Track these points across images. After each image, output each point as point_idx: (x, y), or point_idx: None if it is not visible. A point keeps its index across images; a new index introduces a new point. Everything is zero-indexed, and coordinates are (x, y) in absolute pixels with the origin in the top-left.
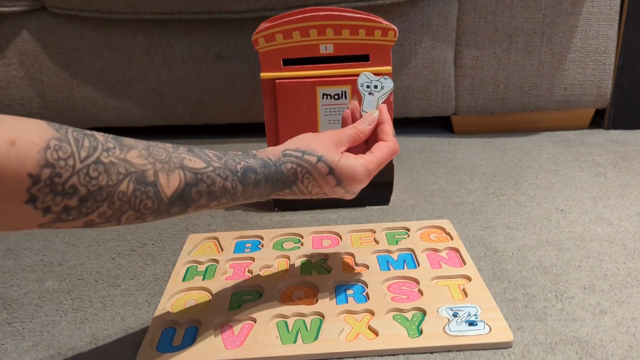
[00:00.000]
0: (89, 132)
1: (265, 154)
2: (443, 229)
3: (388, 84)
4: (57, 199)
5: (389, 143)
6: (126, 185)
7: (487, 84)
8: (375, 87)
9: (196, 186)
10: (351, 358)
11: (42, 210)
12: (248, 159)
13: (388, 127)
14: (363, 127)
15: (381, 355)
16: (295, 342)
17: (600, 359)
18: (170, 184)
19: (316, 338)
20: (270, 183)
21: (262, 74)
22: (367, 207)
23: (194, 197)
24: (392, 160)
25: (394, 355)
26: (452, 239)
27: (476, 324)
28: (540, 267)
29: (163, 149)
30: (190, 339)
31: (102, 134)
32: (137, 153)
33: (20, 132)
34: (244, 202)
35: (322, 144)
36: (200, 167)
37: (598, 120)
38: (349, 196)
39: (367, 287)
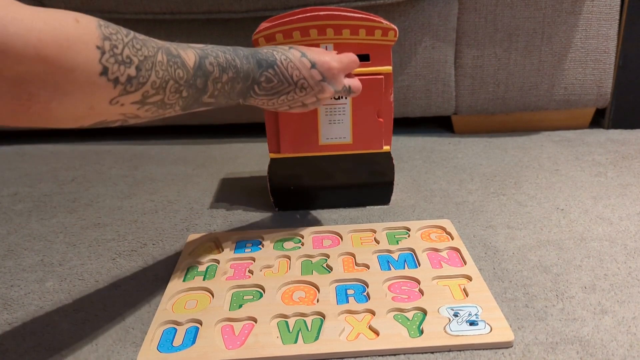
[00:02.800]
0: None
1: None
2: (444, 229)
3: None
4: (121, 67)
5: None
6: (161, 56)
7: (488, 84)
8: None
9: (207, 58)
10: (352, 358)
11: (113, 82)
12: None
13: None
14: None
15: (382, 355)
16: (296, 342)
17: (601, 358)
18: (188, 56)
19: (317, 338)
20: (255, 59)
21: None
22: (367, 207)
23: (208, 67)
24: (392, 160)
25: (394, 355)
26: (452, 238)
27: (477, 324)
28: (540, 266)
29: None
30: (190, 339)
31: None
32: (152, 38)
33: (77, 14)
34: (245, 87)
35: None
36: (202, 46)
37: (598, 120)
38: (322, 98)
39: (367, 287)
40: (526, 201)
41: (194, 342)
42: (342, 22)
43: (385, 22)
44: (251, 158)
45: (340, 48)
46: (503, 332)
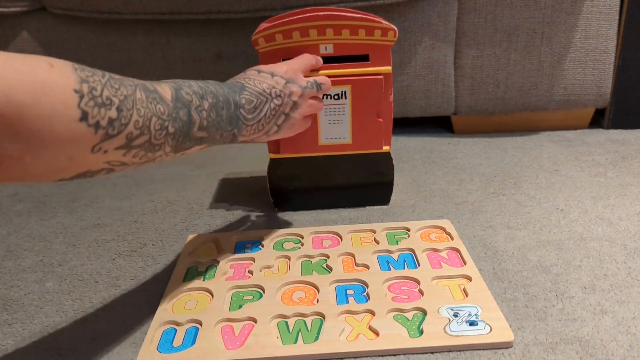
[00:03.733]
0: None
1: None
2: (443, 229)
3: None
4: (101, 110)
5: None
6: (140, 93)
7: (487, 84)
8: None
9: (181, 89)
10: (352, 358)
11: (94, 127)
12: None
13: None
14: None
15: (382, 356)
16: (295, 342)
17: (600, 358)
18: (164, 90)
19: (317, 338)
20: (226, 86)
21: None
22: (367, 207)
23: (186, 97)
24: (392, 160)
25: (394, 355)
26: (452, 238)
27: (477, 324)
28: (540, 267)
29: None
30: (190, 340)
31: None
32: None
33: (50, 58)
34: (231, 113)
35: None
36: (171, 80)
37: (598, 120)
38: (297, 100)
39: (367, 287)
40: (526, 201)
41: (193, 342)
42: (342, 22)
43: (384, 22)
44: (251, 158)
45: (339, 48)
46: (503, 332)
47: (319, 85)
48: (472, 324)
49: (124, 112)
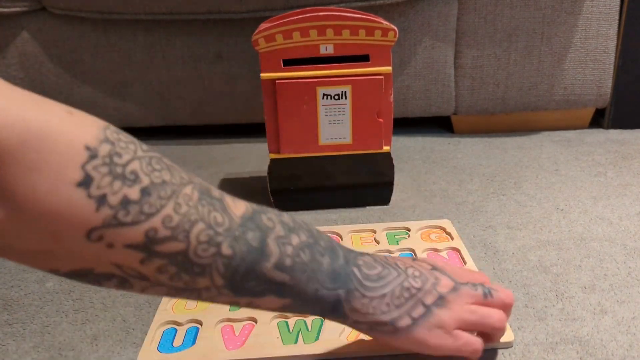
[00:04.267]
0: None
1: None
2: (443, 229)
3: None
4: (115, 183)
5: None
6: (190, 190)
7: (487, 84)
8: None
9: (265, 213)
10: (352, 358)
11: (96, 201)
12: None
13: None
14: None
15: (382, 356)
16: (296, 342)
17: (600, 358)
18: (236, 206)
19: (317, 338)
20: (337, 243)
21: (262, 75)
22: (367, 207)
23: (267, 222)
24: (392, 160)
25: (394, 355)
26: (452, 239)
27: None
28: (540, 266)
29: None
30: (191, 340)
31: None
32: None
33: (74, 109)
34: (336, 266)
35: None
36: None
37: (598, 120)
38: (446, 293)
39: None
40: (526, 201)
41: (194, 342)
42: (342, 22)
43: (384, 22)
44: (251, 158)
45: (340, 48)
46: None
47: (488, 291)
48: None
49: (152, 199)
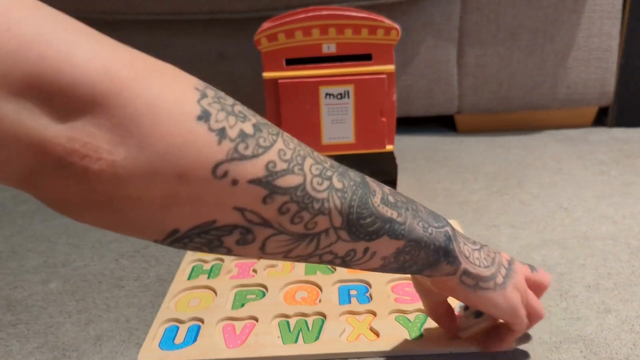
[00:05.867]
0: None
1: None
2: None
3: None
4: (230, 118)
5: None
6: (289, 137)
7: (490, 83)
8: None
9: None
10: (352, 359)
11: (217, 134)
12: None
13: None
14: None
15: (382, 356)
16: (296, 342)
17: (604, 357)
18: (333, 163)
19: (317, 338)
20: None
21: (264, 74)
22: None
23: (370, 183)
24: (395, 160)
25: (395, 356)
26: None
27: (482, 315)
28: (544, 265)
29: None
30: (192, 337)
31: None
32: None
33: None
34: (425, 212)
35: None
36: None
37: (601, 118)
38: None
39: (370, 288)
40: (529, 200)
41: (195, 340)
42: (345, 21)
43: (387, 21)
44: None
45: (342, 47)
46: None
47: (532, 267)
48: (477, 315)
49: (264, 134)
